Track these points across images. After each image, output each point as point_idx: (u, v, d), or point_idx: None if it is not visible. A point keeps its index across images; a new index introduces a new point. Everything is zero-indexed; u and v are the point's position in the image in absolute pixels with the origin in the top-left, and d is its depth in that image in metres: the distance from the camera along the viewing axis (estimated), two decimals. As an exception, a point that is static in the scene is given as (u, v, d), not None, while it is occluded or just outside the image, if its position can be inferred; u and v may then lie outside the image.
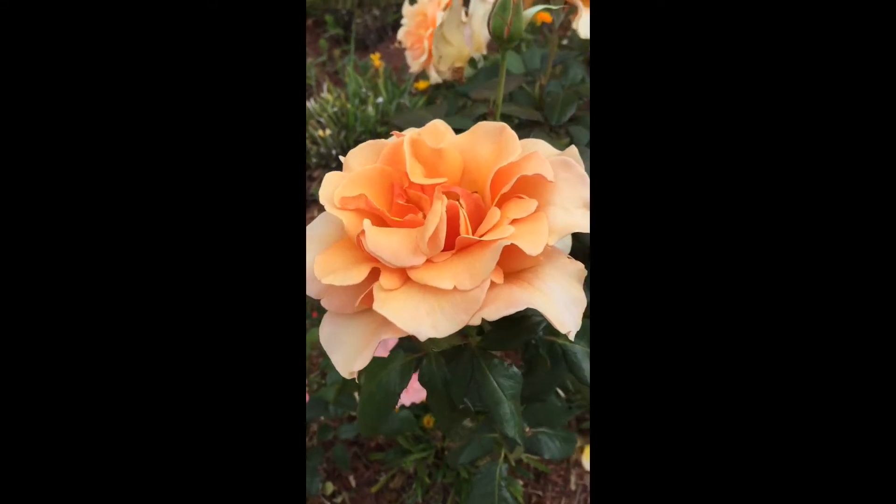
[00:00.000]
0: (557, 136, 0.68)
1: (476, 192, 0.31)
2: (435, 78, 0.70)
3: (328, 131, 1.49)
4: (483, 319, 0.25)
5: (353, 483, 1.11)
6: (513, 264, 0.27)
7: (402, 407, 0.79)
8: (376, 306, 0.25)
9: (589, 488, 1.13)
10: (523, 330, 0.33)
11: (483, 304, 0.24)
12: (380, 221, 0.29)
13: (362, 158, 0.31)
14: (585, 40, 0.52)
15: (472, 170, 0.31)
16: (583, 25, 0.47)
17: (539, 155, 0.29)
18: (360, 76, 1.65)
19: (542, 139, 0.46)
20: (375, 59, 1.64)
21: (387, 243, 0.26)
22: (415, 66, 0.77)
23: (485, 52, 0.63)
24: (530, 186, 0.29)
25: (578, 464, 1.17)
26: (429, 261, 0.26)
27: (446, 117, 0.56)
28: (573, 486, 1.14)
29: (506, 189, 0.27)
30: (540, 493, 1.12)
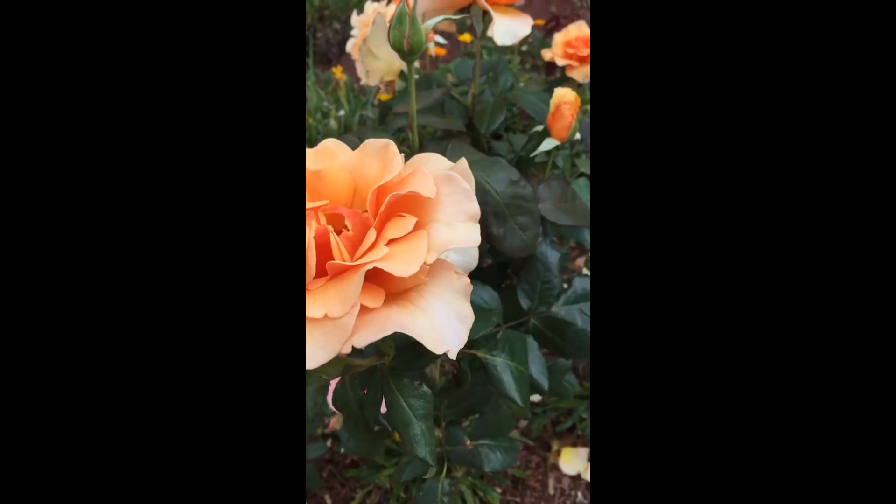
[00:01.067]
0: (513, 144, 0.68)
1: (366, 211, 0.30)
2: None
3: (292, 147, 1.48)
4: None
5: (329, 502, 1.10)
6: (395, 285, 0.26)
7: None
8: (246, 338, 0.24)
9: (567, 492, 1.13)
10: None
11: (354, 329, 0.24)
12: (264, 248, 0.28)
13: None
14: (506, 46, 0.51)
15: (363, 189, 0.30)
16: (498, 32, 0.46)
17: (422, 171, 0.28)
18: (322, 90, 1.64)
19: (466, 150, 0.45)
20: (337, 72, 1.64)
21: (259, 272, 0.25)
22: (364, 78, 0.76)
23: (416, 64, 0.63)
24: (414, 204, 0.28)
25: (556, 467, 1.16)
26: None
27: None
28: (552, 491, 1.13)
29: (381, 209, 0.27)
30: (518, 499, 1.11)
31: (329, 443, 1.14)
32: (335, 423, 0.89)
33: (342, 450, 1.10)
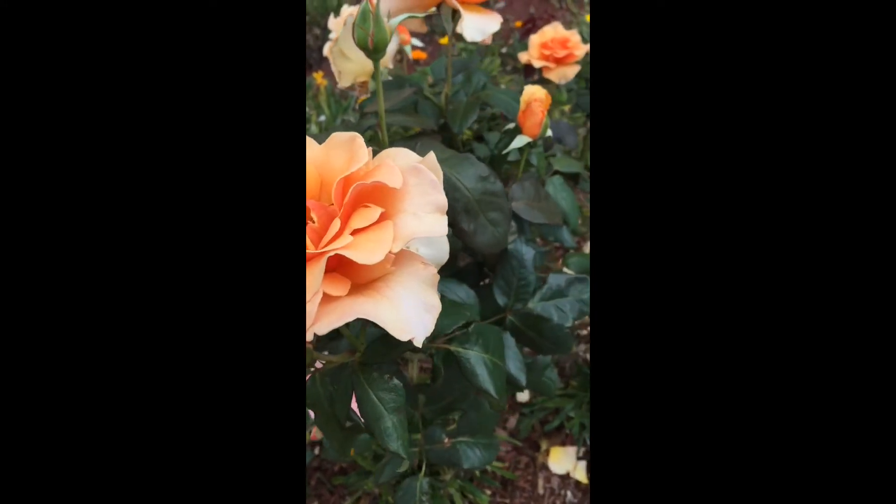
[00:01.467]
0: (489, 144, 0.68)
1: (332, 204, 0.30)
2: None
3: (273, 154, 1.48)
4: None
5: (316, 509, 1.09)
6: (361, 275, 0.27)
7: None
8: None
9: (557, 491, 1.13)
10: (401, 341, 0.32)
11: (316, 317, 0.24)
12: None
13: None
14: (487, 48, 0.52)
15: (330, 182, 0.31)
16: (468, 29, 0.47)
17: (388, 164, 0.28)
18: (303, 97, 1.64)
19: (436, 147, 0.46)
20: (318, 77, 1.64)
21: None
22: (338, 80, 0.76)
23: (390, 65, 0.63)
24: (381, 195, 0.28)
25: (546, 467, 1.16)
26: (267, 279, 0.25)
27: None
28: (541, 491, 1.13)
29: (346, 199, 0.27)
30: (507, 500, 1.11)
31: (317, 450, 1.13)
32: (316, 433, 0.88)
33: (329, 456, 1.09)
